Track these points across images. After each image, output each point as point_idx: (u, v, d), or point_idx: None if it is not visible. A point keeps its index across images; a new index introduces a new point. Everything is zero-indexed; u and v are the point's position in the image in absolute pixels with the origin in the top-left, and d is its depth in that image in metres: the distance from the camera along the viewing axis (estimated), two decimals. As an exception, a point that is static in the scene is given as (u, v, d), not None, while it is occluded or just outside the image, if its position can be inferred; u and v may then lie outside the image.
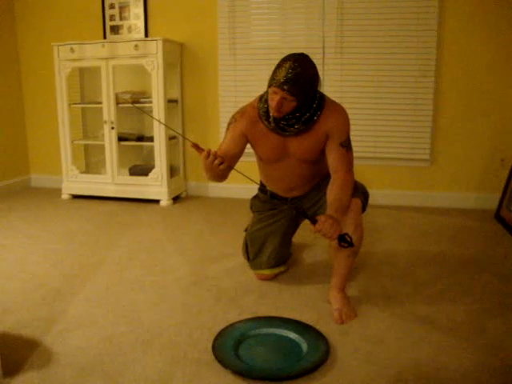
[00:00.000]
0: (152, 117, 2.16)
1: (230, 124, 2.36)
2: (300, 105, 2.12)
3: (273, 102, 2.11)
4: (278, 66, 2.09)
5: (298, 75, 2.03)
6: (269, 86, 2.13)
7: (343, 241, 2.02)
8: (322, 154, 2.32)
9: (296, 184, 2.46)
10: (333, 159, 2.25)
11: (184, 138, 2.13)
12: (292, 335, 2.02)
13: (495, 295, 2.45)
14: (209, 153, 2.05)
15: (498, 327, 2.11)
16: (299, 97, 2.08)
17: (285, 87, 2.04)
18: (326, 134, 2.24)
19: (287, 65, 2.05)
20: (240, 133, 2.31)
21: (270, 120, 2.23)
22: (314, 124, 2.22)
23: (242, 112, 2.34)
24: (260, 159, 2.46)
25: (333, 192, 2.17)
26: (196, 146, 2.07)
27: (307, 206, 2.49)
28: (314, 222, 2.00)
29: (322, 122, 2.22)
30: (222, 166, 2.07)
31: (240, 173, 2.24)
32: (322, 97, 2.24)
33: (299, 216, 2.59)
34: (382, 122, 4.20)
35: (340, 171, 2.22)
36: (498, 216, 3.82)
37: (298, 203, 2.52)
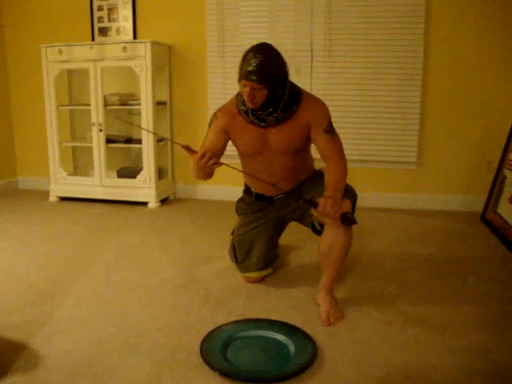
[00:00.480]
0: (141, 127, 2.15)
1: (211, 122, 2.42)
2: (271, 92, 2.17)
3: (245, 94, 2.18)
4: (243, 59, 2.17)
5: (262, 63, 2.11)
6: (239, 81, 2.21)
7: (345, 219, 2.07)
8: (302, 144, 2.35)
9: (279, 178, 2.42)
10: (321, 147, 2.30)
11: (174, 142, 2.17)
12: (280, 337, 2.03)
13: (482, 297, 2.47)
14: (203, 154, 2.12)
15: (485, 329, 2.13)
16: (267, 84, 2.14)
17: (252, 77, 2.12)
18: (307, 125, 2.29)
19: (250, 56, 2.14)
20: (221, 128, 2.37)
21: (248, 113, 2.29)
22: (293, 114, 2.26)
23: (221, 109, 2.42)
24: (241, 153, 2.48)
25: (329, 174, 2.24)
26: (188, 148, 2.11)
27: (294, 206, 2.48)
28: (315, 205, 2.06)
29: (301, 113, 2.28)
30: (215, 166, 2.15)
31: (234, 169, 2.26)
32: (297, 87, 2.31)
33: (294, 209, 2.54)
34: (370, 124, 4.23)
35: (331, 156, 2.28)
36: (483, 218, 3.86)
37: (285, 205, 2.52)
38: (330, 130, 2.29)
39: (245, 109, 2.30)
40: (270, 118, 2.26)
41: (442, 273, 2.80)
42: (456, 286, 2.61)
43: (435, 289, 2.58)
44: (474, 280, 2.69)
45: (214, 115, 2.42)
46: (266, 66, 2.11)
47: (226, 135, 2.39)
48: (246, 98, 2.20)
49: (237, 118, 2.35)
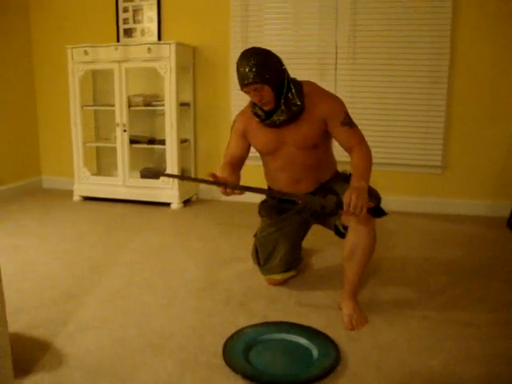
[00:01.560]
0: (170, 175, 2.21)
1: (232, 127, 2.50)
2: (274, 86, 2.21)
3: (252, 99, 2.25)
4: (237, 70, 2.22)
5: (251, 63, 2.16)
6: (242, 91, 2.26)
7: (377, 213, 2.10)
8: (319, 140, 2.34)
9: (299, 175, 2.42)
10: (341, 140, 2.30)
11: (196, 180, 2.22)
12: (302, 341, 2.02)
13: (507, 303, 2.43)
14: (225, 189, 2.15)
15: (509, 336, 2.09)
16: (263, 80, 2.17)
17: (245, 82, 2.18)
18: (323, 120, 2.29)
19: (239, 64, 2.20)
20: (240, 133, 2.45)
21: (259, 114, 2.32)
22: (303, 110, 2.27)
23: (240, 112, 2.51)
24: (260, 152, 2.50)
25: (352, 165, 2.24)
26: (214, 180, 2.13)
27: (317, 209, 2.44)
28: (340, 205, 2.05)
29: (314, 108, 2.28)
30: (237, 194, 2.20)
31: (257, 192, 2.24)
32: (298, 81, 2.32)
33: (315, 215, 2.52)
34: (394, 127, 4.19)
35: (352, 147, 2.27)
36: (510, 223, 3.79)
37: (307, 207, 2.49)
38: (348, 122, 2.28)
39: (255, 111, 2.33)
40: (276, 115, 2.27)
41: (467, 278, 2.76)
42: (481, 292, 2.56)
43: (460, 294, 2.54)
44: (499, 286, 2.65)
45: (234, 120, 2.51)
46: (256, 65, 2.16)
47: (246, 139, 2.46)
48: (256, 102, 2.25)
49: (253, 120, 2.39)
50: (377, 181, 4.13)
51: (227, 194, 2.18)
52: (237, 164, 2.44)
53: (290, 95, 2.26)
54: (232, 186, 2.14)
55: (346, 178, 2.39)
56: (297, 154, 2.36)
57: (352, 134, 2.27)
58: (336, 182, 2.44)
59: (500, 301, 2.46)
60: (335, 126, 2.28)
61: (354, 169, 2.21)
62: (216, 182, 2.11)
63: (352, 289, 2.28)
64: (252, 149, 2.49)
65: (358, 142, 2.27)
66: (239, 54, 2.24)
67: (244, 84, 2.19)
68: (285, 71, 2.28)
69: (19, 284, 2.64)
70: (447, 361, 1.90)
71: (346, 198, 2.01)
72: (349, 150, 2.28)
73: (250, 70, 2.15)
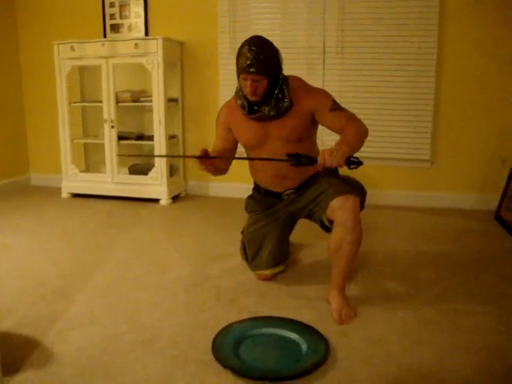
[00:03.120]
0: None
1: (216, 121, 2.53)
2: (271, 81, 2.23)
3: (246, 88, 2.24)
4: (239, 55, 2.23)
5: (258, 54, 2.16)
6: (238, 77, 2.26)
7: (351, 164, 2.05)
8: (304, 133, 2.36)
9: (283, 170, 2.41)
10: (333, 124, 2.31)
11: (186, 157, 2.31)
12: (292, 335, 2.02)
13: (496, 296, 2.44)
14: (202, 163, 2.26)
15: (499, 329, 2.11)
16: (267, 73, 2.20)
17: (251, 70, 2.17)
18: (310, 113, 2.31)
19: (245, 50, 2.19)
20: (224, 126, 2.50)
21: (245, 107, 2.33)
22: (290, 107, 2.29)
23: (224, 105, 2.54)
24: (244, 146, 2.52)
25: (342, 134, 2.23)
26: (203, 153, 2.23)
27: (303, 203, 2.44)
28: (314, 161, 2.09)
29: (300, 102, 2.30)
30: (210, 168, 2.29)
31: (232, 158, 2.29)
32: (285, 76, 2.34)
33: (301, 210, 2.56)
34: (383, 122, 4.20)
35: (345, 124, 2.25)
36: (498, 217, 3.82)
37: (294, 202, 2.49)
38: (337, 107, 2.30)
39: (241, 103, 2.35)
40: (265, 109, 2.29)
41: (456, 271, 2.78)
42: (470, 285, 2.58)
43: (449, 288, 2.55)
44: (488, 279, 2.67)
45: (218, 114, 2.54)
46: (263, 57, 2.17)
47: (231, 132, 2.49)
48: (247, 91, 2.25)
49: (237, 112, 2.41)
50: (366, 175, 4.16)
51: (205, 168, 2.28)
52: (226, 155, 2.48)
53: (280, 94, 2.28)
54: (211, 156, 2.24)
55: (333, 171, 2.39)
56: (281, 148, 2.36)
57: (343, 115, 2.28)
58: (322, 177, 2.43)
59: (490, 293, 2.48)
60: (324, 114, 2.29)
61: (340, 136, 2.21)
62: (196, 156, 2.23)
63: (340, 283, 2.29)
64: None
65: (349, 118, 2.27)
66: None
67: (248, 71, 2.18)
68: (282, 67, 2.30)
69: (8, 282, 2.63)
70: (437, 354, 1.91)
71: (319, 159, 2.04)
72: (340, 129, 2.27)
73: (256, 60, 2.16)
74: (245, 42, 2.23)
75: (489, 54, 3.96)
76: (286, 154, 2.17)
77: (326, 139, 3.92)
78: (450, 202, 4.23)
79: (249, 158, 2.51)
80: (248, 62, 2.16)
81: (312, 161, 2.10)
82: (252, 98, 2.27)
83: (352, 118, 2.27)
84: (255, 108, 2.31)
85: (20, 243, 3.28)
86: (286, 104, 2.27)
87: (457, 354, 1.91)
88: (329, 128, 2.34)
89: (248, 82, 2.21)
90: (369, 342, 2.00)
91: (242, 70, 2.21)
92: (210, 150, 2.31)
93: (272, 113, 2.28)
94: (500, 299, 2.41)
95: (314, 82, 3.71)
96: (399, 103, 4.15)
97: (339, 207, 2.19)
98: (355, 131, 2.20)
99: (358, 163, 2.05)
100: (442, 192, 4.25)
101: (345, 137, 2.17)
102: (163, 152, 4.26)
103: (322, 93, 2.37)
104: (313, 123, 2.36)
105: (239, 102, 2.36)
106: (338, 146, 2.07)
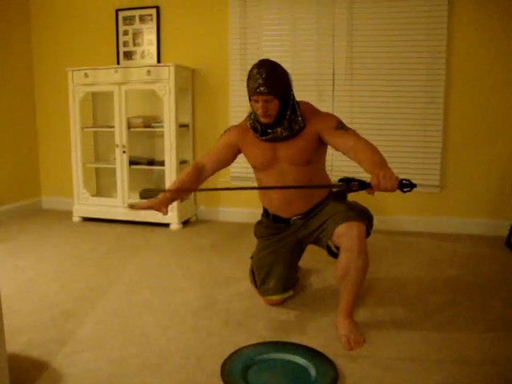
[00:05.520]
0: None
1: (223, 134, 2.56)
2: (282, 102, 2.27)
3: (258, 109, 2.28)
4: (248, 78, 2.27)
5: (268, 75, 2.20)
6: (250, 99, 2.30)
7: (404, 187, 1.94)
8: (312, 155, 2.38)
9: (291, 195, 2.43)
10: (339, 143, 2.29)
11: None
12: (300, 360, 2.01)
13: (507, 323, 2.42)
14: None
15: (508, 356, 2.09)
16: (278, 94, 2.23)
17: (262, 90, 2.20)
18: (316, 134, 2.33)
19: (254, 72, 2.23)
20: (230, 142, 2.50)
21: (257, 129, 2.37)
22: (302, 129, 2.32)
23: (235, 125, 2.59)
24: (253, 167, 2.54)
25: (361, 158, 2.15)
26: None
27: (310, 229, 2.45)
28: (367, 185, 1.93)
29: (309, 124, 2.33)
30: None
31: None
32: (296, 101, 2.38)
33: (302, 243, 2.57)
34: (392, 147, 4.21)
35: (352, 145, 2.21)
36: (508, 243, 3.80)
37: (302, 228, 2.50)
38: (342, 127, 2.31)
39: (254, 125, 2.39)
40: (278, 131, 2.32)
41: (466, 298, 2.76)
42: (480, 312, 2.56)
43: (458, 314, 2.53)
44: (499, 305, 2.64)
45: (228, 129, 2.57)
46: (272, 77, 2.21)
47: (234, 149, 2.51)
48: (259, 112, 2.28)
49: (248, 134, 2.44)
50: (374, 200, 4.16)
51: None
52: (209, 169, 2.50)
53: (293, 115, 2.31)
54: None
55: (340, 196, 2.40)
56: (289, 170, 2.39)
57: (349, 135, 2.27)
58: (329, 203, 2.44)
59: (499, 320, 2.46)
60: (330, 132, 2.30)
61: (364, 159, 2.12)
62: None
63: (347, 309, 2.28)
64: (244, 169, 2.53)
65: (356, 139, 2.24)
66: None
67: (258, 92, 2.22)
68: (292, 88, 2.34)
69: (18, 304, 2.64)
70: (446, 381, 1.89)
71: (373, 182, 1.91)
72: (350, 150, 2.22)
73: (266, 81, 2.20)
74: (254, 65, 2.28)
75: (498, 80, 3.98)
76: (339, 180, 2.02)
77: (337, 164, 3.94)
78: (459, 228, 4.21)
79: (282, 187, 2.44)
80: (257, 84, 2.21)
81: (364, 185, 1.94)
82: (265, 120, 2.30)
83: (361, 138, 2.25)
84: (268, 131, 2.35)
85: (30, 265, 3.30)
86: (299, 124, 2.31)
87: (466, 380, 1.89)
88: (335, 147, 2.31)
89: (259, 104, 2.25)
90: (377, 368, 1.98)
91: (252, 92, 2.25)
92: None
93: (285, 134, 2.31)
94: (510, 326, 2.39)
95: (324, 107, 3.75)
96: (408, 129, 4.17)
97: (344, 234, 2.21)
98: (374, 149, 2.17)
99: (412, 186, 1.96)
100: (452, 217, 4.23)
101: (375, 157, 2.12)
102: (173, 177, 4.29)
103: (329, 114, 2.43)
104: (321, 145, 2.38)
105: (251, 123, 2.40)
106: (381, 167, 1.99)
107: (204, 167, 2.50)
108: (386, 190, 1.90)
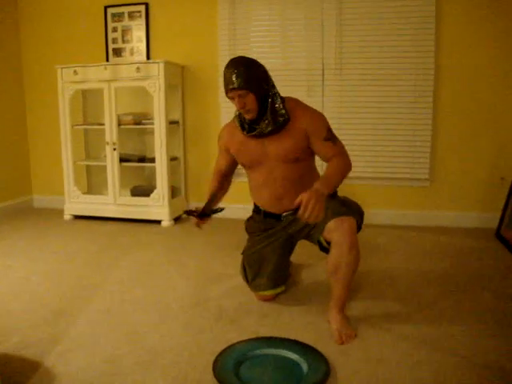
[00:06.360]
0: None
1: (218, 141, 2.63)
2: (258, 94, 2.27)
3: (237, 106, 2.31)
4: (223, 75, 2.29)
5: (238, 70, 2.23)
6: (227, 97, 2.33)
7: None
8: (300, 153, 2.38)
9: (281, 191, 2.44)
10: (322, 153, 2.36)
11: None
12: (293, 356, 2.02)
13: (497, 315, 2.44)
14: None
15: (500, 348, 2.11)
16: (251, 87, 2.24)
17: (234, 86, 2.22)
18: (305, 133, 2.33)
19: (225, 71, 2.27)
20: (224, 147, 2.58)
21: (244, 126, 2.39)
22: (287, 122, 2.32)
23: (223, 127, 2.64)
24: (243, 165, 2.55)
25: (326, 169, 2.27)
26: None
27: (301, 225, 2.44)
28: (296, 211, 2.01)
29: (297, 121, 2.33)
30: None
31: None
32: (281, 96, 2.36)
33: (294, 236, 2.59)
34: (381, 141, 4.23)
35: (330, 157, 2.31)
36: (498, 235, 3.83)
37: (293, 223, 2.50)
38: (330, 137, 2.33)
39: (241, 123, 2.40)
40: (263, 125, 2.32)
41: (457, 290, 2.78)
42: (471, 304, 2.58)
43: (450, 306, 2.55)
44: (489, 298, 2.67)
45: (219, 132, 2.63)
46: (242, 72, 2.22)
47: (229, 152, 2.55)
48: (238, 109, 2.32)
49: (236, 133, 2.47)
50: (365, 194, 4.18)
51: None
52: (226, 173, 2.67)
53: (276, 106, 2.31)
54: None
55: (331, 195, 2.41)
56: (278, 167, 2.40)
57: (333, 148, 2.31)
58: None
59: (490, 312, 2.48)
60: (318, 141, 2.33)
61: (324, 172, 2.23)
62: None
63: (339, 303, 2.29)
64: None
65: (338, 153, 2.30)
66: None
67: (229, 88, 2.25)
68: (270, 81, 2.33)
69: (10, 304, 2.64)
70: (438, 374, 1.90)
71: (300, 208, 1.97)
72: (326, 159, 2.34)
73: (235, 76, 2.21)
74: (227, 64, 2.30)
75: (486, 73, 4.00)
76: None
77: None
78: (449, 221, 4.24)
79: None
80: (230, 80, 2.23)
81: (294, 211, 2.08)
82: (247, 116, 2.32)
83: (342, 153, 2.31)
84: (254, 126, 2.35)
85: (22, 265, 3.30)
86: (283, 116, 2.30)
87: (457, 374, 1.91)
88: (316, 153, 2.39)
89: (236, 100, 2.27)
90: (369, 362, 2.00)
91: (226, 91, 2.28)
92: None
93: (270, 127, 2.31)
94: (500, 317, 2.41)
95: (314, 102, 3.76)
96: (398, 123, 4.19)
97: (335, 229, 2.22)
98: (341, 170, 2.24)
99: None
100: (442, 211, 4.26)
101: (329, 175, 2.19)
102: (164, 174, 4.28)
103: (319, 117, 2.38)
104: (309, 144, 2.38)
105: (238, 121, 2.41)
106: (317, 187, 2.05)
107: (221, 171, 2.65)
108: (309, 220, 1.97)
